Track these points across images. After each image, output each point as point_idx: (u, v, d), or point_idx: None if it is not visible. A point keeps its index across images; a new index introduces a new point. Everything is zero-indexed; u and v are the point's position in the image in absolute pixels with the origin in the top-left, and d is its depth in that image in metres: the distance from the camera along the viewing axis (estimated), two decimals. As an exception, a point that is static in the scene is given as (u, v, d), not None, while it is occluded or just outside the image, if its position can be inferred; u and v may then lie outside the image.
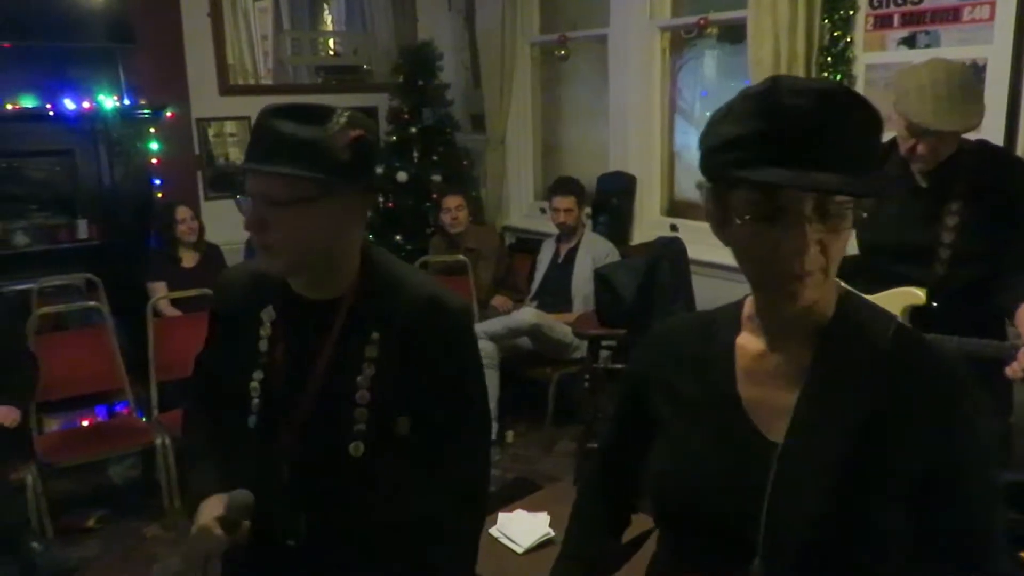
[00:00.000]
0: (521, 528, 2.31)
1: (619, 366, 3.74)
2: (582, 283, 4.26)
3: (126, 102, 4.64)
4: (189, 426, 1.58)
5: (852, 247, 2.22)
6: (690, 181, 4.78)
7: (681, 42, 4.62)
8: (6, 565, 2.98)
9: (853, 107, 0.90)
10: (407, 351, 1.34)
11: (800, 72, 3.50)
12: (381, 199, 5.22)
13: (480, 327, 4.09)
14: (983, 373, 1.03)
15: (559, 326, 4.09)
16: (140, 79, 4.72)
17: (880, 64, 3.44)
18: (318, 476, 1.36)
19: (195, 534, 1.31)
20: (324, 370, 1.35)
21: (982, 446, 0.97)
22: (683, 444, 1.06)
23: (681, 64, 4.73)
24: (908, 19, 3.36)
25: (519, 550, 2.25)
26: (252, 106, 1.36)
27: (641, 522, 1.26)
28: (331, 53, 5.75)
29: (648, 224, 4.71)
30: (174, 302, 4.13)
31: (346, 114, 1.27)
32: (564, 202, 4.33)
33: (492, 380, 4.03)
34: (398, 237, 5.26)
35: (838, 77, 3.45)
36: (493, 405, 4.01)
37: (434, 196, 5.15)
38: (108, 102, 4.55)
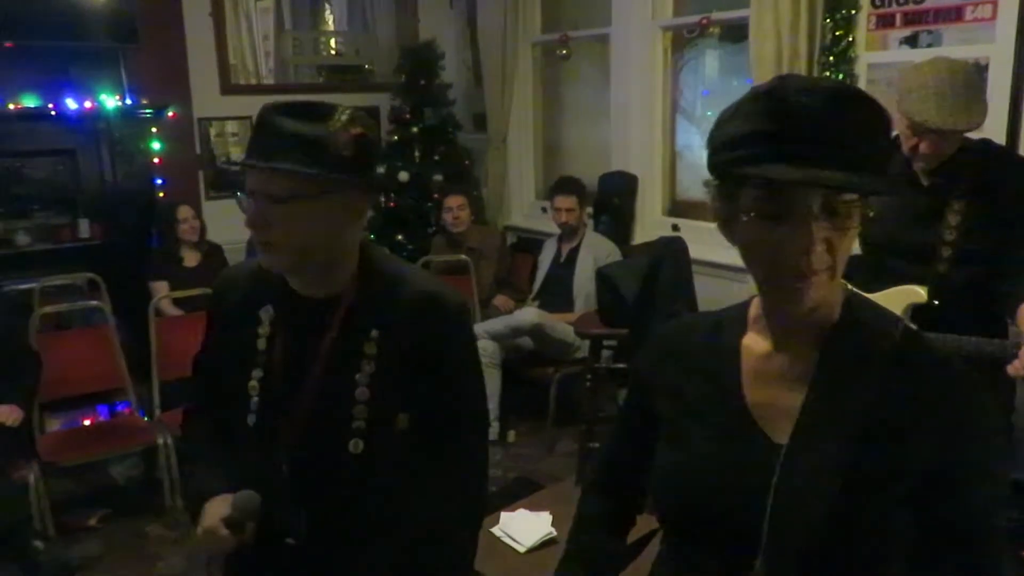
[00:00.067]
0: (523, 527, 2.31)
1: (621, 366, 3.74)
2: (584, 283, 4.26)
3: (128, 102, 4.64)
4: (189, 427, 1.58)
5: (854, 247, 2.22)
6: (691, 181, 4.78)
7: (683, 41, 4.62)
8: (8, 564, 2.98)
9: (861, 106, 0.90)
10: (406, 348, 1.34)
11: (802, 72, 3.50)
12: (383, 199, 5.22)
13: (482, 327, 4.10)
14: (985, 372, 1.03)
15: (561, 326, 4.09)
16: (142, 79, 4.72)
17: (882, 64, 3.43)
18: (318, 474, 1.36)
19: (201, 535, 1.32)
20: (323, 368, 1.35)
21: (987, 449, 0.97)
22: (687, 444, 1.06)
23: (683, 64, 4.73)
24: (910, 18, 3.36)
25: (521, 549, 2.26)
26: (254, 106, 1.35)
27: (646, 522, 1.26)
28: (333, 53, 5.75)
29: (650, 224, 4.71)
30: (176, 301, 4.14)
31: (347, 112, 1.27)
32: (566, 202, 4.33)
33: (494, 380, 4.03)
34: (400, 237, 5.26)
35: (840, 76, 3.45)
36: (495, 405, 4.02)
37: (436, 196, 5.15)
38: (110, 102, 4.55)
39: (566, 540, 1.31)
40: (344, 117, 1.25)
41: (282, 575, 1.39)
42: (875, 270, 2.23)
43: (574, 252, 4.41)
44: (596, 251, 4.30)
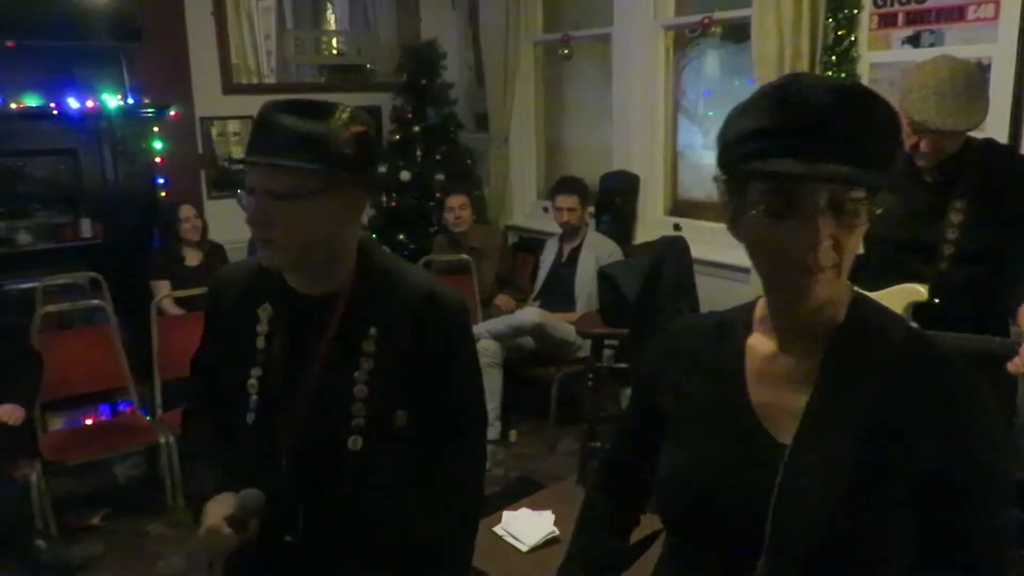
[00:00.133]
0: (526, 527, 2.31)
1: (622, 365, 3.74)
2: (585, 282, 4.26)
3: (130, 101, 4.63)
4: (189, 426, 1.58)
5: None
6: (693, 180, 4.78)
7: (685, 41, 4.61)
8: (10, 563, 2.98)
9: (870, 104, 0.90)
10: (405, 345, 1.35)
11: (804, 71, 3.50)
12: (384, 198, 5.22)
13: (483, 326, 4.10)
14: (987, 370, 1.03)
15: (562, 325, 4.09)
16: (144, 78, 4.72)
17: (884, 63, 3.43)
18: (317, 471, 1.36)
19: (203, 534, 1.32)
20: (322, 365, 1.35)
21: (991, 450, 0.96)
22: (691, 444, 1.05)
23: (685, 63, 4.73)
24: (912, 18, 3.36)
25: (524, 548, 2.25)
26: (255, 105, 1.35)
27: (650, 522, 1.25)
28: (334, 52, 5.75)
29: (651, 223, 4.71)
30: (178, 301, 4.14)
31: (348, 110, 1.28)
32: (567, 201, 4.33)
33: (495, 379, 4.03)
34: (401, 236, 5.26)
35: (842, 76, 3.45)
36: (496, 404, 4.02)
37: (437, 195, 5.15)
38: (112, 101, 4.55)
39: (569, 540, 1.31)
40: (345, 115, 1.26)
41: (282, 573, 1.39)
42: (876, 267, 2.23)
43: (575, 252, 4.40)
44: (598, 251, 4.30)
